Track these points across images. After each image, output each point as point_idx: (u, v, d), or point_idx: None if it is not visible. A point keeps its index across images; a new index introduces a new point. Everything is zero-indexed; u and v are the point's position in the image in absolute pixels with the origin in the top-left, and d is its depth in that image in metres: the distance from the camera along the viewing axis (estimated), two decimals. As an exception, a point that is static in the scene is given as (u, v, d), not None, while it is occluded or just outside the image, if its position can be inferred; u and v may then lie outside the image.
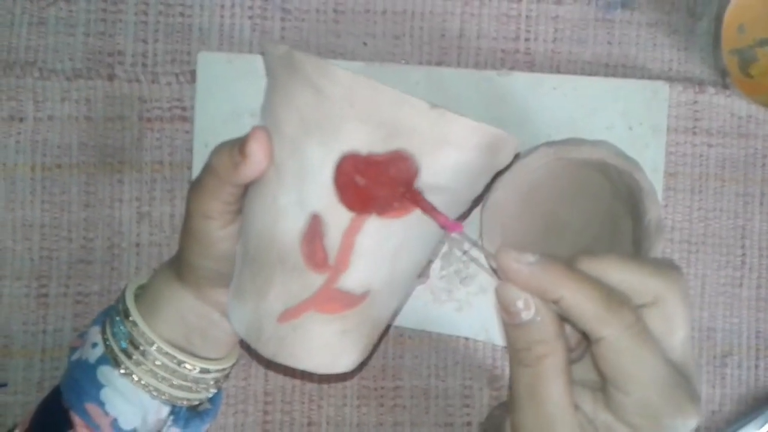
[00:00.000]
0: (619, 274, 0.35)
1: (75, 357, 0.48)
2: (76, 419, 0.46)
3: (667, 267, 0.36)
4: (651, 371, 0.34)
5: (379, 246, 0.38)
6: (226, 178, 0.40)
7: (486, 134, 0.37)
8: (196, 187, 0.42)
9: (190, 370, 0.46)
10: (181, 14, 0.58)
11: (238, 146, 0.39)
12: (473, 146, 0.37)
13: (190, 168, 0.57)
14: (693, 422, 0.34)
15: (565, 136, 0.53)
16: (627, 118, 0.57)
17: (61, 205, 0.57)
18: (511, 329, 0.35)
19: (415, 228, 0.39)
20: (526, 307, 0.34)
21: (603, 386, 0.35)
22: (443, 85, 0.57)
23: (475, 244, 0.38)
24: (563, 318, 0.35)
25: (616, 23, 0.59)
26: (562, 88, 0.57)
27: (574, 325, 0.35)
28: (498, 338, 0.58)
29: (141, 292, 0.48)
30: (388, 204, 0.37)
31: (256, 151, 0.38)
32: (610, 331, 0.33)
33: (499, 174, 0.46)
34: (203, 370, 0.47)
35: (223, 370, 0.49)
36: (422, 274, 0.45)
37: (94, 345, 0.47)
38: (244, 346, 0.48)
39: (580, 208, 0.55)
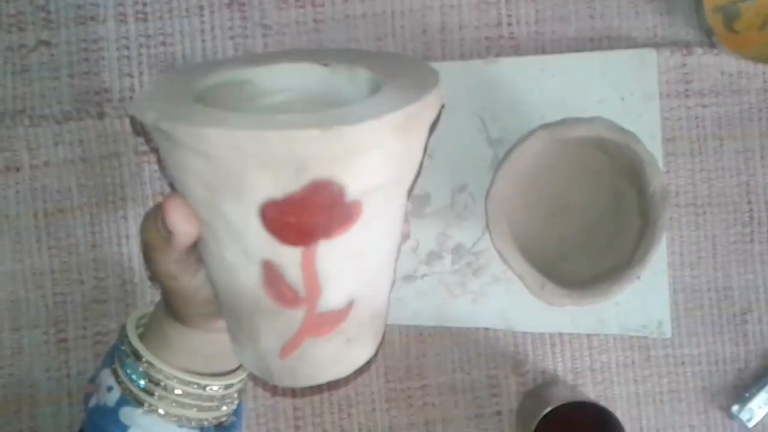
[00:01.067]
0: None
1: (93, 404, 0.47)
2: None
3: None
4: None
5: (342, 260, 0.37)
6: (164, 250, 0.39)
7: (395, 120, 0.34)
8: (145, 259, 0.41)
9: (215, 391, 0.46)
10: (163, 43, 0.58)
11: (161, 220, 0.37)
12: (389, 137, 0.34)
13: (191, 195, 0.57)
14: None
15: (558, 116, 0.53)
16: (618, 89, 0.57)
17: (68, 248, 0.57)
18: None
19: (370, 227, 0.37)
20: None
21: None
22: (431, 81, 0.56)
23: None
24: None
25: (596, -4, 0.59)
26: (550, 68, 0.57)
27: None
28: (517, 324, 0.58)
29: (144, 331, 0.48)
30: (330, 227, 0.35)
31: (178, 224, 0.36)
32: None
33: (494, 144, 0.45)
34: (227, 386, 0.47)
35: (244, 378, 0.49)
36: (403, 236, 0.44)
37: (110, 389, 0.46)
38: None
39: (583, 187, 0.55)
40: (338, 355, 0.39)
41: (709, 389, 0.60)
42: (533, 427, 0.51)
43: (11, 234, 0.57)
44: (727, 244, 0.60)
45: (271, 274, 0.36)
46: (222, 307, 0.40)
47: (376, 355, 0.42)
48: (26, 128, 0.57)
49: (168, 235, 0.37)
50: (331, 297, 0.37)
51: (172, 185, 0.38)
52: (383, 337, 0.42)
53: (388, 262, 0.40)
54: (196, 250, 0.40)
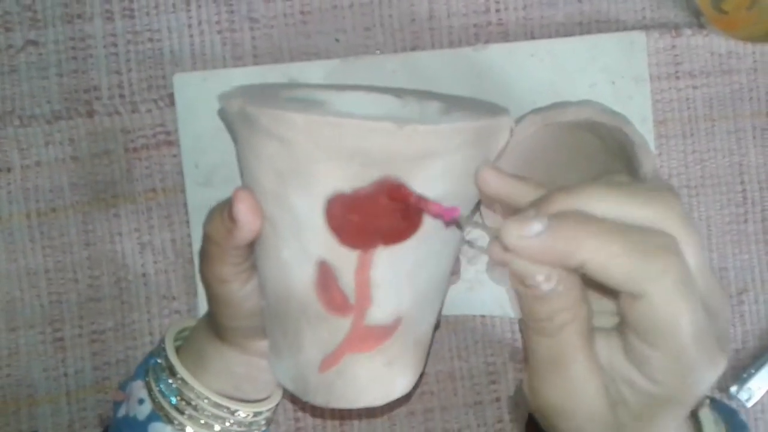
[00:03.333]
0: (604, 208, 0.31)
1: (122, 414, 0.47)
2: None
3: (659, 191, 0.32)
4: (690, 323, 0.29)
5: (396, 272, 0.37)
6: (225, 244, 0.39)
7: (468, 131, 0.36)
8: (202, 256, 0.41)
9: (244, 417, 0.46)
10: (150, 39, 0.58)
11: (227, 211, 0.38)
12: (458, 147, 0.35)
13: (183, 191, 0.57)
14: (721, 370, 0.31)
15: (549, 102, 0.52)
16: (608, 73, 0.57)
17: (62, 247, 0.57)
18: (529, 300, 0.32)
19: (428, 242, 0.37)
20: (547, 280, 0.30)
21: (621, 332, 0.32)
22: (420, 70, 0.56)
23: (477, 225, 0.37)
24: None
25: (584, -20, 0.59)
26: (539, 53, 0.57)
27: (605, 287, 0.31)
28: (513, 311, 0.58)
29: (182, 345, 0.48)
30: (391, 232, 0.36)
31: (245, 214, 0.37)
32: (652, 287, 0.29)
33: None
34: (256, 414, 0.47)
35: (273, 408, 0.49)
36: (453, 272, 0.45)
37: (141, 401, 0.46)
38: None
39: (576, 171, 0.55)
40: (377, 378, 0.39)
41: (707, 370, 0.60)
42: (528, 412, 0.51)
43: (4, 234, 0.57)
44: (721, 225, 0.60)
45: (325, 276, 0.36)
46: (268, 313, 0.40)
47: (413, 390, 0.42)
48: (16, 128, 0.57)
49: (232, 226, 0.37)
50: (380, 310, 0.37)
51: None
52: (422, 376, 0.42)
53: (437, 286, 0.40)
54: (251, 257, 0.40)
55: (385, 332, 0.38)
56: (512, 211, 0.36)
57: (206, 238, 0.40)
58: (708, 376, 0.31)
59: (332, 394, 0.39)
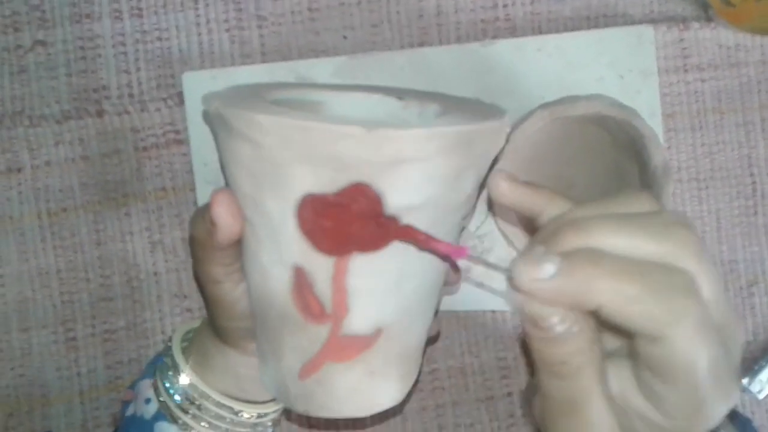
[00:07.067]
0: (616, 243, 0.30)
1: (129, 413, 0.48)
2: None
3: (674, 226, 0.30)
4: (707, 362, 0.29)
5: (375, 281, 0.36)
6: (209, 245, 0.39)
7: (445, 136, 0.33)
8: (193, 257, 0.42)
9: (248, 418, 0.46)
10: (159, 38, 0.58)
11: (208, 213, 0.37)
12: (434, 153, 0.33)
13: (193, 190, 0.57)
14: (735, 401, 0.31)
15: (557, 96, 0.52)
16: (616, 67, 0.57)
17: (73, 247, 0.57)
18: (542, 343, 0.31)
19: (408, 251, 0.36)
20: (562, 322, 0.30)
21: (635, 367, 0.32)
22: (428, 66, 0.56)
23: (488, 264, 0.34)
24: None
25: (591, -26, 0.59)
26: (546, 48, 0.57)
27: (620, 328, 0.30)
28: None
29: (188, 346, 0.48)
30: (365, 239, 0.34)
31: (222, 216, 0.36)
32: (672, 331, 0.28)
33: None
34: (261, 415, 0.47)
35: (278, 409, 0.49)
36: (451, 282, 0.44)
37: (148, 401, 0.46)
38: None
39: (584, 165, 0.55)
40: (358, 388, 0.38)
41: (718, 363, 0.60)
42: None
43: (15, 235, 0.57)
44: (730, 218, 0.60)
45: (301, 282, 0.35)
46: (254, 318, 0.39)
47: (403, 403, 0.40)
48: (26, 129, 0.57)
49: (212, 228, 0.37)
50: (358, 319, 0.36)
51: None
52: (413, 387, 0.41)
53: (425, 297, 0.39)
54: (241, 257, 0.39)
55: (364, 342, 0.37)
56: (526, 219, 0.35)
57: (191, 240, 0.40)
58: (722, 409, 0.31)
59: (312, 402, 0.38)
